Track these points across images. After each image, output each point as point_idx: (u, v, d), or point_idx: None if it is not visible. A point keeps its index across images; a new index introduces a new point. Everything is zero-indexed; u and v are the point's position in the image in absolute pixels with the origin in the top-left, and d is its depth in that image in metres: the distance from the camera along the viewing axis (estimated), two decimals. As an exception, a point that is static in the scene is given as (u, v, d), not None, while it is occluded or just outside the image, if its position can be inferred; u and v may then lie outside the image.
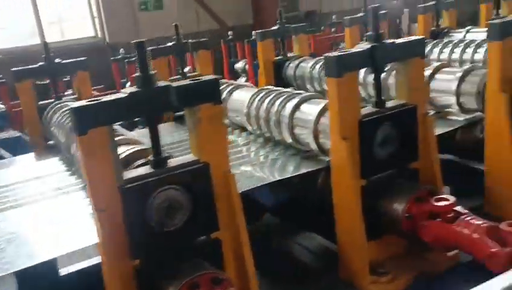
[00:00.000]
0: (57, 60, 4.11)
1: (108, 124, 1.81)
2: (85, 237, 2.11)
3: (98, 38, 10.54)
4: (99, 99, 1.80)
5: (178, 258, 2.04)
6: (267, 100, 3.28)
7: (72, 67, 4.14)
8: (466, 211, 2.30)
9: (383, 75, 2.69)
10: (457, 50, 4.58)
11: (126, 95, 1.83)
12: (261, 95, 3.39)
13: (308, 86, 4.76)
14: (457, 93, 3.30)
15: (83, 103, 1.79)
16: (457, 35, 5.61)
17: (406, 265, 2.61)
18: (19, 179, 3.40)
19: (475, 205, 3.33)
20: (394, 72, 2.75)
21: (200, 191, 2.03)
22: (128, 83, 8.11)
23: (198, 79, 2.02)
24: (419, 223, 2.35)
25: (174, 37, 4.63)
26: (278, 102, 3.18)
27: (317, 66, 4.69)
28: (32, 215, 2.71)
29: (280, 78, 5.01)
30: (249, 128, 3.56)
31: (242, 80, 8.84)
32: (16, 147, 5.55)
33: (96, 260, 2.69)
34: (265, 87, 3.58)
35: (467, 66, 3.49)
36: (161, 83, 1.93)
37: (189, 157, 2.08)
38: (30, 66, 4.07)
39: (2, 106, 7.51)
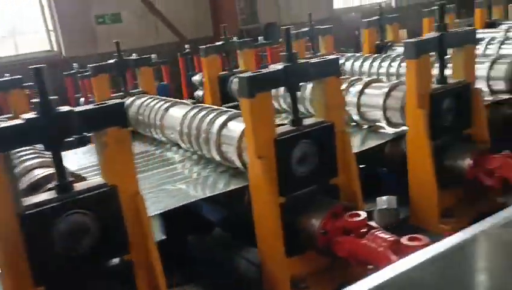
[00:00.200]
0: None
1: (3, 151, 1.79)
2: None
3: (53, 52, 10.38)
4: (-4, 126, 1.79)
5: (87, 282, 2.03)
6: (198, 117, 3.31)
7: (7, 85, 4.07)
8: (377, 225, 2.37)
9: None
10: (395, 64, 4.75)
11: (23, 121, 1.83)
12: (193, 112, 3.42)
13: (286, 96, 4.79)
14: (384, 108, 3.40)
15: (-23, 129, 1.78)
16: (400, 49, 5.78)
17: (327, 279, 2.67)
18: None
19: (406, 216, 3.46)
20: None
21: (108, 214, 2.04)
22: (82, 99, 8.01)
23: (104, 103, 2.03)
24: (334, 239, 2.41)
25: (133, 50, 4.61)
26: (207, 119, 3.21)
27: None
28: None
29: (225, 93, 5.05)
30: (183, 145, 3.58)
31: (200, 93, 8.86)
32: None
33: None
34: (199, 104, 3.61)
35: (393, 82, 3.60)
36: (62, 109, 1.93)
37: (97, 180, 2.08)
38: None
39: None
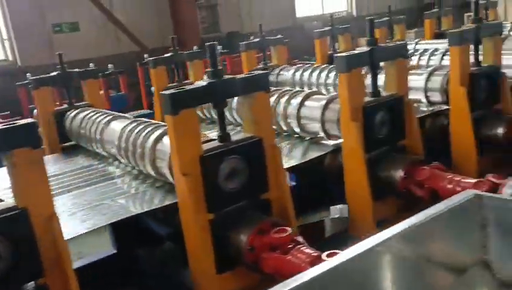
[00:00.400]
0: None
1: None
2: None
3: (8, 61, 10.14)
4: None
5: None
6: (135, 132, 3.27)
7: None
8: (303, 241, 2.38)
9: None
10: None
11: None
12: (131, 126, 3.37)
13: (199, 113, 4.78)
14: (322, 121, 3.44)
15: None
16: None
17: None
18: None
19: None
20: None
21: (19, 238, 1.98)
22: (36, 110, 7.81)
23: (14, 123, 1.97)
24: (260, 255, 2.40)
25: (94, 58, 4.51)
26: (143, 134, 3.17)
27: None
28: None
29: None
30: (122, 160, 3.53)
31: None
32: None
33: None
34: (138, 118, 3.56)
35: (332, 94, 3.65)
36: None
37: (6, 203, 2.02)
38: None
39: None
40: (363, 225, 3.14)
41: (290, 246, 2.35)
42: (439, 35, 6.50)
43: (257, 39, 5.70)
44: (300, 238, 2.40)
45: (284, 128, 3.78)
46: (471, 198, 1.42)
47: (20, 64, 10.15)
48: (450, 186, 2.82)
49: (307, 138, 3.75)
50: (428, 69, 4.08)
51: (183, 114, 2.35)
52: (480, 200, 1.41)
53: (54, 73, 4.46)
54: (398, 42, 3.89)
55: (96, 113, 4.06)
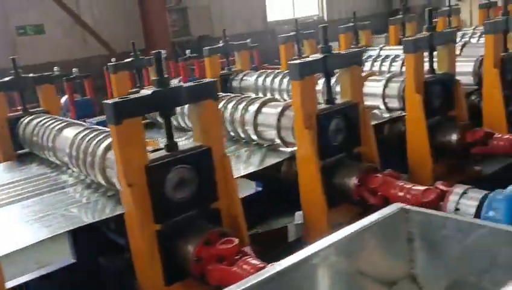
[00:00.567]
0: None
1: None
2: None
3: (-30, 64, 9.85)
4: None
5: None
6: (86, 140, 3.19)
7: None
8: (250, 252, 2.35)
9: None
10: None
11: None
12: (83, 134, 3.29)
13: (159, 119, 4.71)
14: (278, 128, 3.42)
15: None
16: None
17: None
18: None
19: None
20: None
21: None
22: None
23: None
24: (207, 267, 2.36)
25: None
26: (94, 142, 3.09)
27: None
28: None
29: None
30: (74, 169, 3.44)
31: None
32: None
33: None
34: (91, 126, 3.48)
35: (288, 101, 3.63)
36: None
37: None
38: None
39: None
40: (317, 232, 3.12)
41: (236, 257, 2.32)
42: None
43: (221, 44, 5.66)
44: (248, 249, 2.37)
45: (242, 135, 3.75)
46: (397, 211, 1.41)
47: (-18, 67, 9.87)
48: (400, 194, 2.84)
49: (265, 145, 3.73)
50: (387, 76, 4.12)
51: (127, 123, 2.30)
52: (407, 214, 1.41)
53: (7, 78, 4.33)
54: (351, 50, 3.90)
55: (51, 119, 3.95)
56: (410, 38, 3.70)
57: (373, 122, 3.80)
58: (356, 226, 1.46)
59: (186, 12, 12.76)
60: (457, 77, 3.94)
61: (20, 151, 4.35)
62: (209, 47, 5.51)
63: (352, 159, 3.26)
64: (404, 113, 3.82)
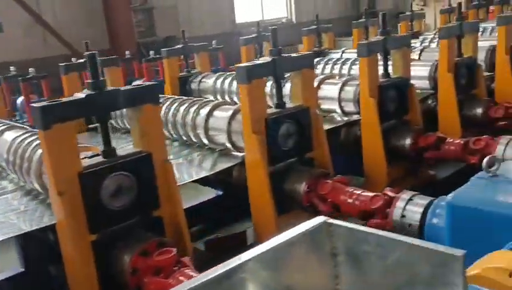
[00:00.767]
0: None
1: None
2: None
3: None
4: None
5: None
6: (24, 144, 3.02)
7: None
8: (189, 262, 2.24)
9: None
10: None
11: None
12: (21, 138, 3.12)
13: (113, 122, 4.56)
14: (228, 132, 3.32)
15: None
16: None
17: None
18: None
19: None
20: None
21: None
22: None
23: None
24: (143, 279, 2.24)
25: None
26: (31, 147, 2.93)
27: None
28: None
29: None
30: (12, 175, 3.27)
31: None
32: None
33: None
34: (30, 129, 3.31)
35: (239, 104, 3.55)
36: None
37: None
38: None
39: None
40: (267, 239, 3.04)
41: (175, 268, 2.21)
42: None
43: (180, 45, 5.54)
44: (186, 260, 2.26)
45: (194, 139, 3.64)
46: (321, 225, 1.34)
47: None
48: (350, 200, 2.78)
49: (218, 149, 3.63)
50: (343, 79, 4.08)
51: (57, 128, 2.16)
52: (330, 227, 1.33)
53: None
54: (303, 52, 3.85)
55: (-7, 123, 3.76)
56: (363, 42, 3.67)
57: (329, 126, 3.77)
58: (280, 238, 1.38)
59: (152, 13, 12.53)
60: (414, 81, 3.95)
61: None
62: (167, 48, 5.38)
63: (304, 165, 3.20)
64: (359, 117, 3.79)
